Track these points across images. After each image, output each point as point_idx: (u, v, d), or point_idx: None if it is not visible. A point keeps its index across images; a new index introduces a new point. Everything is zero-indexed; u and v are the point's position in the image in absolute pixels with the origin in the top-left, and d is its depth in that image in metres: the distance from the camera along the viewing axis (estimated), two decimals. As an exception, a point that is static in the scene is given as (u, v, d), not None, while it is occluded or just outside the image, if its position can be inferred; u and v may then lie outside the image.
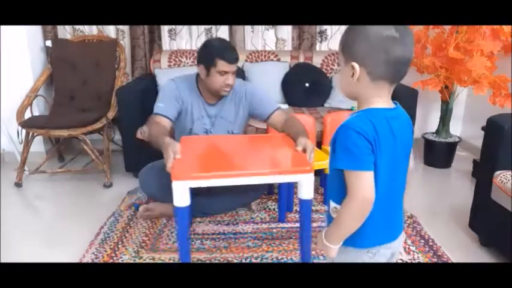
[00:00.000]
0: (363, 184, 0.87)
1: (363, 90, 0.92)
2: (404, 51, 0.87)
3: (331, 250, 0.97)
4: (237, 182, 1.46)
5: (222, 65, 1.85)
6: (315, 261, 1.73)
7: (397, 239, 1.01)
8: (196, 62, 1.96)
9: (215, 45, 1.90)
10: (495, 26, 2.39)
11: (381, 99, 0.91)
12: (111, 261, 1.78)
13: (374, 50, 0.87)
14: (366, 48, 0.88)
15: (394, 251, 1.03)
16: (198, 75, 2.01)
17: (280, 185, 2.06)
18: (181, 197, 1.40)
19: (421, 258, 1.78)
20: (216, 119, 2.02)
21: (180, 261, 1.51)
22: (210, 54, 1.86)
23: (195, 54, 2.93)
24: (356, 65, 0.89)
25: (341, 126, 0.90)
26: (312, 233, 1.56)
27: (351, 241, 0.96)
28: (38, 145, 2.94)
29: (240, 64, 2.89)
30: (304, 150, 1.59)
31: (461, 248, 1.86)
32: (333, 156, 0.92)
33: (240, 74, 2.82)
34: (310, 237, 1.58)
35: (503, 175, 1.67)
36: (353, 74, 0.90)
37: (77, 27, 3.10)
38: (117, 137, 2.99)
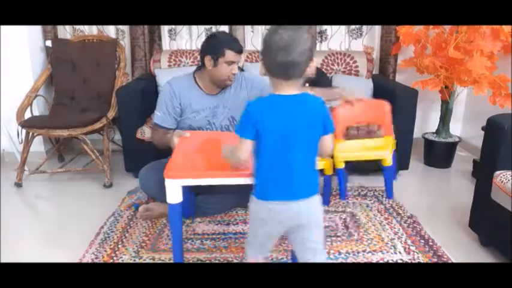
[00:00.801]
0: (241, 147, 1.16)
1: (270, 81, 1.15)
2: (286, 58, 1.06)
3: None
4: (229, 181, 1.44)
5: (230, 54, 1.89)
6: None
7: (296, 201, 1.17)
8: (201, 54, 1.97)
9: (222, 37, 1.95)
10: (495, 26, 2.39)
11: (281, 89, 1.13)
12: (111, 261, 1.78)
13: (264, 53, 1.11)
14: (262, 50, 1.12)
15: (297, 213, 1.18)
16: (195, 71, 2.04)
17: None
18: (173, 194, 1.42)
19: (421, 258, 1.78)
20: (217, 109, 2.04)
21: (173, 255, 1.53)
22: (218, 44, 1.89)
23: (195, 54, 2.93)
24: (260, 63, 1.14)
25: None
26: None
27: (256, 193, 1.21)
28: (38, 145, 2.94)
29: (239, 64, 2.89)
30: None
31: (461, 248, 1.86)
32: None
33: (240, 74, 2.81)
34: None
35: (503, 175, 1.67)
36: None
37: (77, 27, 3.10)
38: (117, 137, 2.99)
